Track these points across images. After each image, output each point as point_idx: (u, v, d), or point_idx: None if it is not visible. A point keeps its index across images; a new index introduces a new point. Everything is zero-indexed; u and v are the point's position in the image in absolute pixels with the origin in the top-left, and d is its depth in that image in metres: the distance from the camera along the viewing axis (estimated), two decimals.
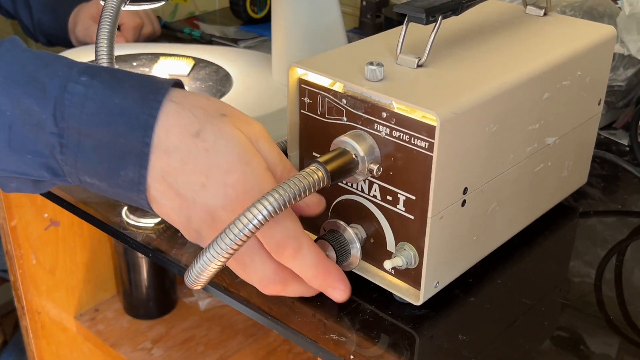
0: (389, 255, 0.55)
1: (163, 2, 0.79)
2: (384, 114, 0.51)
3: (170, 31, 1.12)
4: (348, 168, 0.52)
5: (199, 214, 0.49)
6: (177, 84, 0.52)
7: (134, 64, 0.90)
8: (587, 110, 0.65)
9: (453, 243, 0.54)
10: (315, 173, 0.49)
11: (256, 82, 0.86)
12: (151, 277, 0.98)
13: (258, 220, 0.45)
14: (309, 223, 0.58)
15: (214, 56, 0.92)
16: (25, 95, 0.48)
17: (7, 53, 0.50)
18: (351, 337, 0.54)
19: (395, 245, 0.55)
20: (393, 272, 0.56)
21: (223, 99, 0.81)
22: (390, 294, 0.57)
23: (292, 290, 0.52)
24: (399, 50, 0.55)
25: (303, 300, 0.56)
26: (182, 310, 1.03)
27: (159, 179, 0.49)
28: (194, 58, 0.91)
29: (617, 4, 0.89)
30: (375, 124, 0.52)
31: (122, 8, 0.74)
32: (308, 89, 0.56)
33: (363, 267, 0.57)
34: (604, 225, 0.69)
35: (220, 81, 0.86)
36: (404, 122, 0.50)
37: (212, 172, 0.48)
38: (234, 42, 1.08)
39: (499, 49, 0.58)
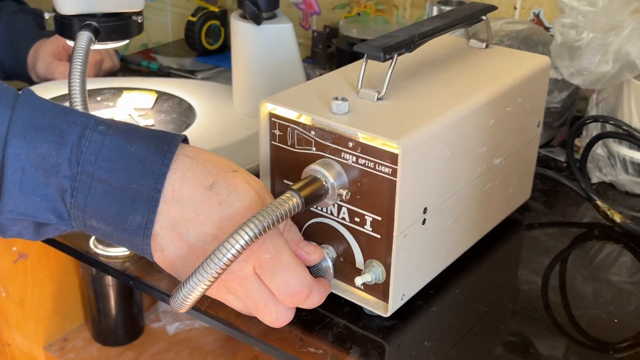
0: (359, 272, 0.60)
1: (127, 41, 0.83)
2: (350, 144, 0.56)
3: (127, 64, 1.15)
4: (319, 194, 0.57)
5: None
6: (185, 139, 0.56)
7: (98, 98, 0.93)
8: (528, 132, 0.71)
9: (416, 258, 0.60)
10: (291, 200, 0.53)
11: (218, 114, 0.91)
12: (119, 305, 1.01)
13: (240, 245, 0.49)
14: None
15: (175, 89, 0.96)
16: (43, 140, 0.51)
17: (26, 101, 0.53)
18: (327, 349, 0.58)
19: (364, 263, 0.60)
20: (362, 287, 0.61)
21: (188, 130, 0.85)
22: (361, 307, 0.62)
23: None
24: (359, 85, 0.60)
25: None
26: (150, 336, 1.06)
27: (168, 228, 0.52)
28: (156, 91, 0.95)
29: (549, 31, 0.97)
30: (342, 153, 0.57)
31: (90, 47, 0.77)
32: (278, 122, 0.61)
33: (334, 284, 0.62)
34: (547, 235, 0.76)
35: (184, 113, 0.90)
36: (368, 150, 0.56)
37: (225, 225, 0.52)
38: (191, 73, 1.12)
39: (448, 81, 0.65)
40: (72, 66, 0.73)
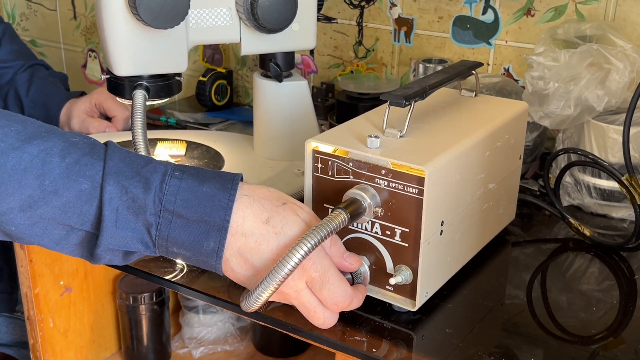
0: (389, 277, 0.74)
1: (169, 99, 0.97)
2: (383, 171, 0.71)
3: (148, 119, 1.29)
4: (359, 212, 0.71)
5: None
6: (241, 177, 0.69)
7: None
8: (512, 163, 0.88)
9: (435, 263, 0.75)
10: (340, 216, 0.68)
11: (243, 158, 1.05)
12: (151, 332, 1.12)
13: (301, 255, 0.64)
14: None
15: (201, 138, 1.10)
16: (132, 186, 0.64)
17: (114, 154, 0.66)
18: (365, 339, 0.72)
19: (394, 268, 0.74)
20: (392, 289, 0.75)
21: None
22: (391, 306, 0.76)
23: None
24: (384, 126, 0.76)
25: None
26: None
27: (236, 255, 0.66)
28: (185, 141, 1.09)
29: (518, 83, 1.14)
30: (376, 179, 0.72)
31: (152, 104, 0.91)
32: (320, 157, 0.76)
33: (368, 287, 0.76)
34: (529, 250, 0.92)
35: (213, 158, 1.04)
36: (397, 176, 0.71)
37: (281, 251, 0.66)
38: (205, 125, 1.26)
39: (451, 122, 0.81)
40: (134, 119, 0.87)
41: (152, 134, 1.13)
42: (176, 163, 0.69)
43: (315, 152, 0.76)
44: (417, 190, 0.70)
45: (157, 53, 0.90)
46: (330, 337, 0.72)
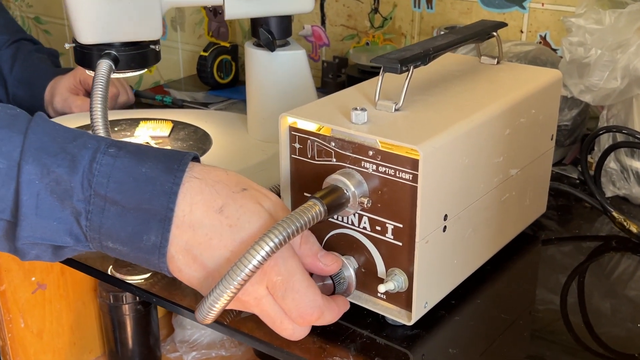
0: (380, 282, 0.60)
1: (144, 70, 0.84)
2: (370, 152, 0.57)
3: (142, 99, 1.17)
4: (340, 202, 0.57)
5: None
6: (195, 157, 0.57)
7: (116, 129, 0.95)
8: (542, 144, 0.73)
9: (437, 266, 0.60)
10: (313, 208, 0.54)
11: (233, 139, 0.92)
12: (136, 335, 1.01)
13: (263, 254, 0.50)
14: None
15: (190, 118, 0.98)
16: (56, 165, 0.52)
17: (38, 127, 0.54)
18: (350, 358, 0.59)
19: (386, 272, 0.60)
20: (384, 297, 0.61)
21: (205, 156, 0.87)
22: (384, 318, 0.62)
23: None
24: (377, 98, 0.62)
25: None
26: None
27: (183, 252, 0.53)
28: (171, 121, 0.96)
29: (556, 53, 0.99)
30: (363, 162, 0.58)
31: (110, 76, 0.79)
32: (298, 135, 0.62)
33: (356, 295, 0.63)
34: (564, 249, 0.76)
35: (200, 140, 0.92)
36: (388, 158, 0.57)
37: (236, 247, 0.53)
38: (204, 105, 1.14)
39: (463, 94, 0.66)
40: (94, 93, 0.75)
41: (137, 113, 1.01)
42: (118, 140, 0.56)
43: (292, 129, 0.62)
44: (411, 176, 0.56)
45: (125, 18, 0.79)
46: (305, 357, 0.59)
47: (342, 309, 0.58)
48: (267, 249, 0.50)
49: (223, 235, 0.53)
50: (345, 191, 0.58)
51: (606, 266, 0.75)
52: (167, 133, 0.93)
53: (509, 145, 0.66)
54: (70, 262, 0.73)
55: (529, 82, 0.69)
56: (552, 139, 0.74)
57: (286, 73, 0.88)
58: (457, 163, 0.59)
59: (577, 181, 0.89)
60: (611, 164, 0.82)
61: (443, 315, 0.63)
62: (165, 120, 0.96)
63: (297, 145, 0.62)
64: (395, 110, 0.61)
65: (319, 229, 0.63)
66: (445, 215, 0.59)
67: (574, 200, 0.85)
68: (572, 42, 0.82)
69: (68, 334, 1.01)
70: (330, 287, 0.60)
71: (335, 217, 0.62)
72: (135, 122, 0.96)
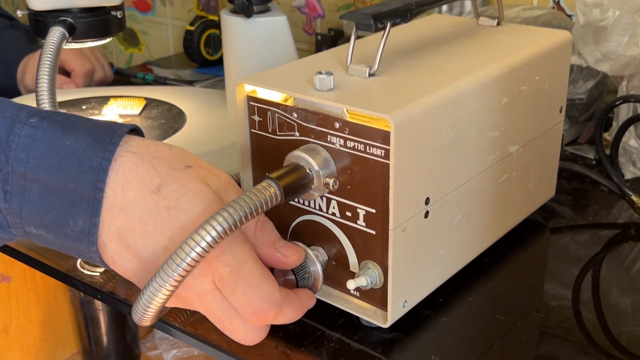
0: (353, 277, 0.51)
1: (107, 40, 0.76)
2: (337, 124, 0.48)
3: (123, 77, 1.09)
4: (302, 184, 0.49)
5: None
6: (136, 130, 0.48)
7: (83, 107, 0.87)
8: (549, 118, 0.63)
9: (419, 258, 0.51)
10: (267, 189, 0.46)
11: (210, 118, 0.84)
12: (111, 331, 0.93)
13: (207, 243, 0.42)
14: None
15: (166, 95, 0.90)
16: None
17: None
18: None
19: (359, 265, 0.51)
20: (358, 294, 0.52)
21: (176, 135, 0.78)
22: (357, 318, 0.53)
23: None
24: (349, 61, 0.53)
25: None
26: None
27: (115, 239, 0.45)
28: (145, 98, 0.88)
29: (571, 19, 0.88)
30: (329, 136, 0.49)
31: (64, 47, 0.71)
32: (257, 106, 0.53)
33: (326, 291, 0.54)
34: (576, 239, 0.67)
35: (173, 118, 0.83)
36: (357, 130, 0.48)
37: (175, 233, 0.44)
38: (189, 84, 1.06)
39: (452, 57, 0.57)
40: (40, 63, 0.67)
41: (110, 91, 0.93)
42: (45, 110, 0.47)
43: (250, 99, 0.53)
44: (383, 151, 0.47)
45: None
46: None
47: (307, 304, 0.49)
48: (210, 236, 0.42)
49: (160, 220, 0.45)
50: (308, 170, 0.49)
51: (625, 258, 0.65)
52: (137, 111, 0.84)
53: (507, 117, 0.56)
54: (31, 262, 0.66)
55: (532, 44, 0.59)
56: (561, 112, 0.64)
57: (265, 42, 0.79)
58: (440, 136, 0.50)
59: (594, 162, 0.79)
60: (631, 141, 0.72)
61: (428, 316, 0.54)
62: (138, 97, 0.88)
63: (256, 118, 0.54)
64: (370, 75, 0.52)
65: (284, 216, 0.54)
66: (427, 199, 0.50)
67: (590, 184, 0.75)
68: (587, 2, 0.72)
69: (38, 330, 0.93)
70: (293, 283, 0.51)
71: (301, 201, 0.53)
72: (105, 100, 0.87)
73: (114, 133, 0.45)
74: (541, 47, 0.59)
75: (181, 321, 0.55)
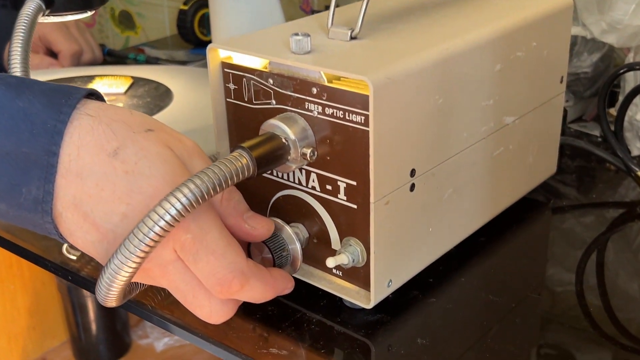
0: (334, 255, 0.48)
1: (88, 14, 0.73)
2: (314, 90, 0.45)
3: (115, 58, 1.06)
4: (278, 154, 0.45)
5: None
6: (96, 95, 0.45)
7: None
8: (549, 88, 0.59)
9: (405, 234, 0.48)
10: (239, 160, 0.42)
11: (198, 96, 0.80)
12: (100, 319, 0.90)
13: (171, 216, 0.38)
14: None
15: (155, 74, 0.87)
16: None
17: None
18: (294, 350, 0.47)
19: (341, 242, 0.48)
20: (340, 273, 0.49)
21: (161, 113, 0.75)
22: (341, 300, 0.50)
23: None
24: (330, 23, 0.49)
25: (242, 313, 0.49)
26: (136, 354, 0.95)
27: (71, 208, 0.42)
28: (132, 77, 0.85)
29: None
30: (306, 103, 0.46)
31: (44, 20, 0.68)
32: (232, 73, 0.50)
33: (307, 271, 0.51)
34: (579, 218, 0.63)
35: (160, 97, 0.80)
36: (336, 96, 0.44)
37: (134, 199, 0.41)
38: (182, 64, 1.02)
39: (443, 20, 0.53)
40: (14, 35, 0.64)
41: (96, 70, 0.90)
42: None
43: (225, 66, 0.50)
44: (362, 117, 0.43)
45: None
46: (233, 348, 0.47)
47: (280, 284, 0.45)
48: (175, 209, 0.38)
49: (117, 185, 0.41)
50: (284, 140, 0.46)
51: (633, 239, 0.61)
52: (123, 90, 0.81)
53: (501, 85, 0.52)
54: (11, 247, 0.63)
55: (529, 8, 0.55)
56: (562, 82, 0.61)
57: (254, 17, 0.76)
58: (427, 102, 0.46)
59: (599, 139, 0.75)
60: (638, 115, 0.68)
61: (416, 297, 0.51)
62: (125, 76, 0.85)
63: (231, 86, 0.50)
64: (352, 38, 0.48)
65: (263, 191, 0.51)
66: (413, 171, 0.47)
67: (595, 162, 0.71)
68: None
69: (25, 317, 0.91)
70: (270, 262, 0.48)
71: (279, 175, 0.50)
72: (89, 79, 0.85)
73: (71, 95, 0.42)
74: (539, 10, 0.55)
75: (155, 303, 0.52)
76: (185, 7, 1.07)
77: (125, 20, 1.34)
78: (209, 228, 0.42)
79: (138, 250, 0.39)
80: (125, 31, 1.34)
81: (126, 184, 0.41)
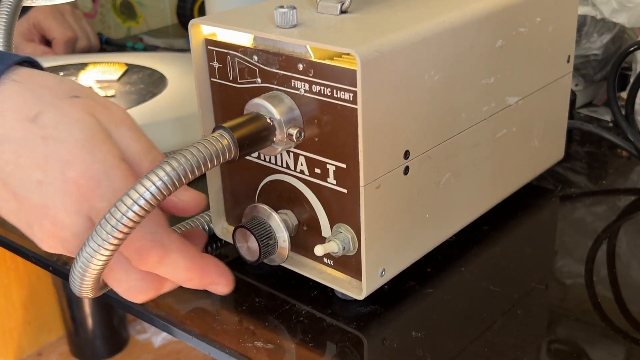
0: (324, 243, 0.45)
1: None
2: (301, 66, 0.42)
3: (113, 47, 1.04)
4: (262, 135, 0.43)
5: (37, 218, 0.39)
6: (32, 63, 0.42)
7: (61, 73, 0.82)
8: (555, 67, 0.56)
9: (399, 221, 0.45)
10: (220, 141, 0.39)
11: (192, 83, 0.78)
12: (97, 314, 0.88)
13: (145, 200, 0.36)
14: (229, 213, 0.50)
15: (150, 61, 0.84)
16: None
17: None
18: (281, 343, 0.44)
19: (331, 229, 0.45)
20: (331, 262, 0.46)
21: (154, 99, 0.73)
22: (332, 290, 0.47)
23: (169, 289, 0.42)
24: None
25: (228, 304, 0.47)
26: (134, 349, 0.93)
27: None
28: (127, 64, 0.83)
29: None
30: (292, 81, 0.43)
31: (35, 3, 0.66)
32: (216, 51, 0.47)
33: (297, 260, 0.48)
34: (589, 208, 0.60)
35: (154, 83, 0.77)
36: (323, 72, 0.41)
37: (50, 165, 0.39)
38: (181, 52, 1.00)
39: None
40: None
41: (93, 57, 0.87)
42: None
43: (209, 43, 0.47)
44: (351, 95, 0.40)
45: None
46: (216, 341, 0.44)
47: (212, 272, 0.41)
48: (149, 192, 0.36)
49: (34, 151, 0.39)
50: (269, 120, 0.43)
51: None
52: (116, 76, 0.79)
53: (503, 63, 0.49)
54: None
55: None
56: (569, 62, 0.57)
57: (248, 2, 0.73)
58: (420, 78, 0.43)
59: (610, 124, 0.72)
60: None
61: (412, 288, 0.48)
62: (119, 63, 0.82)
63: (215, 65, 0.48)
64: (342, 12, 0.46)
65: (251, 176, 0.48)
66: (407, 152, 0.44)
67: (605, 148, 0.68)
68: None
69: (20, 311, 0.89)
70: (256, 251, 0.45)
71: (267, 158, 0.47)
72: (81, 66, 0.82)
73: (1, 61, 0.40)
74: None
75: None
76: None
77: (127, 10, 1.32)
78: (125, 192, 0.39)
79: (111, 237, 0.36)
80: (126, 21, 1.32)
81: (43, 149, 0.39)
